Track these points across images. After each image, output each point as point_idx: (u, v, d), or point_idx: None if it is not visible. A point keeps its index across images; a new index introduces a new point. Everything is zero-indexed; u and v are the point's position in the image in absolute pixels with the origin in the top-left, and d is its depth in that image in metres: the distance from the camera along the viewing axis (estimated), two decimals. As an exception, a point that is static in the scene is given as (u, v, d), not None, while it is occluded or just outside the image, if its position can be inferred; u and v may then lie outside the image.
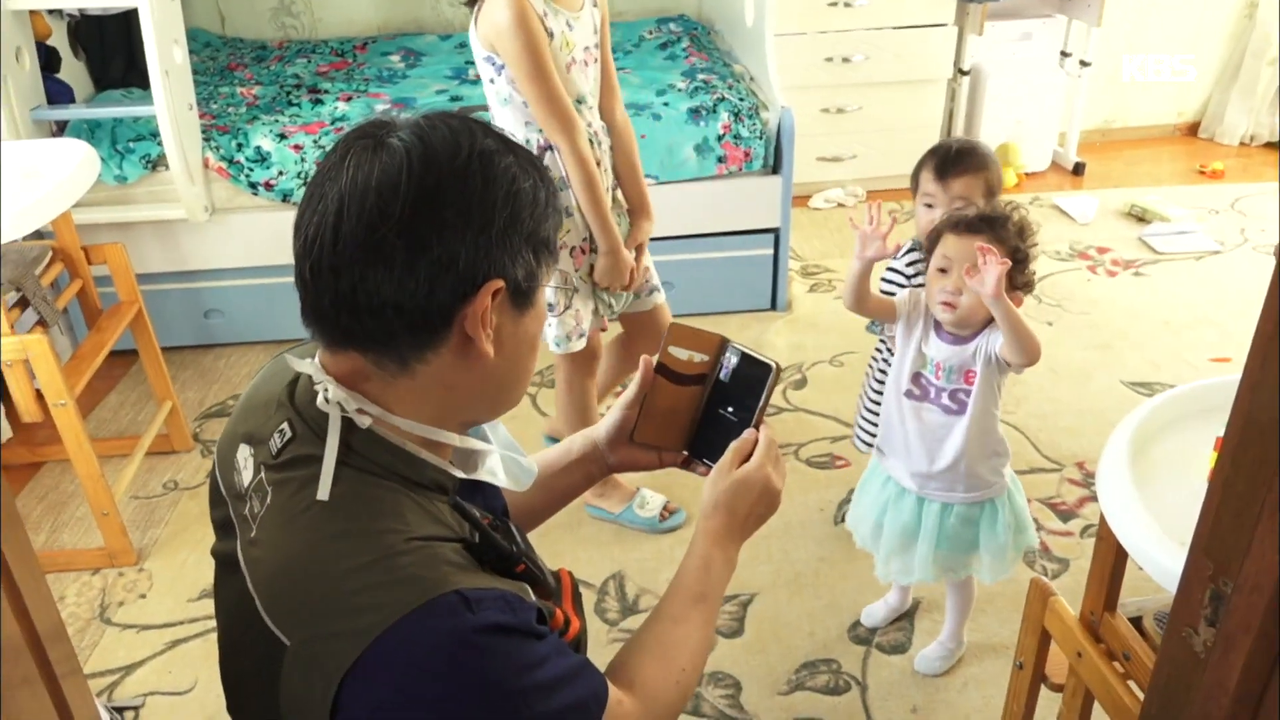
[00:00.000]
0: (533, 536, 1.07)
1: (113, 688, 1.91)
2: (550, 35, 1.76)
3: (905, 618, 2.00)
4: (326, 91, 3.22)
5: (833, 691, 1.85)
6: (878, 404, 1.91)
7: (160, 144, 2.70)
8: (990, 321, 1.55)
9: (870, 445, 1.93)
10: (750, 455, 0.99)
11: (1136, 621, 1.26)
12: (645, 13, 4.05)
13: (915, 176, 1.86)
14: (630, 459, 1.08)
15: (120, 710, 1.85)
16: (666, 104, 2.96)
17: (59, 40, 2.99)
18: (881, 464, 1.76)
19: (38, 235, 2.35)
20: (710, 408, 1.04)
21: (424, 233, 0.74)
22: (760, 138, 2.90)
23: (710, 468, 1.01)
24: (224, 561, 0.85)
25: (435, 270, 0.74)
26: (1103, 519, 1.19)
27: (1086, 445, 2.47)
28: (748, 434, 1.00)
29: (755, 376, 1.01)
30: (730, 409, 1.02)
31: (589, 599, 2.06)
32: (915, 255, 1.86)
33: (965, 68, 3.92)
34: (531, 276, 0.81)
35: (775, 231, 3.02)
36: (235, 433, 0.87)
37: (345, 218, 0.74)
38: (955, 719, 1.79)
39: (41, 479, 2.52)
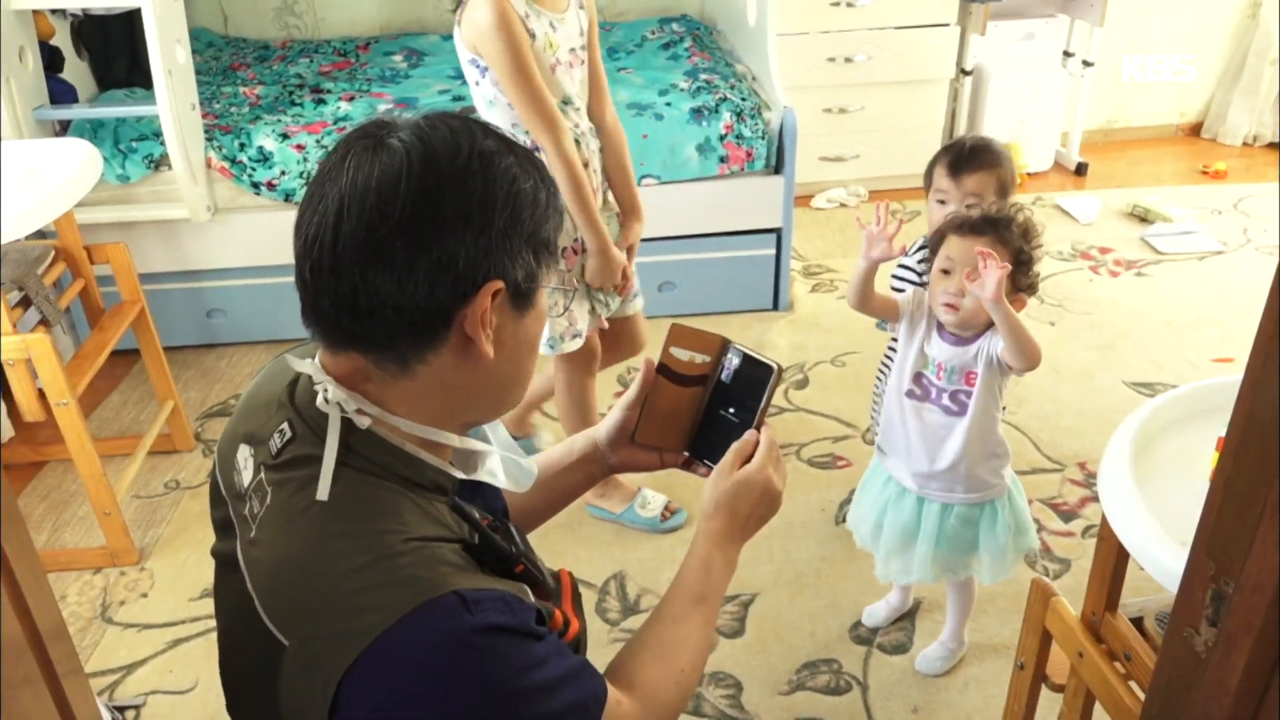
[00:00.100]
0: (534, 536, 1.07)
1: (114, 687, 1.91)
2: (532, 36, 1.77)
3: (906, 618, 2.00)
4: (329, 91, 3.22)
5: (834, 691, 1.85)
6: None
7: (163, 144, 2.71)
8: (993, 323, 1.55)
9: None
10: (751, 456, 0.99)
11: (1138, 622, 1.26)
12: (647, 12, 4.05)
13: (928, 173, 1.86)
14: (631, 460, 1.08)
15: (121, 710, 1.85)
16: (669, 104, 2.96)
17: (62, 40, 3.00)
18: (882, 463, 1.76)
19: (40, 235, 2.36)
20: (711, 409, 1.04)
21: (424, 233, 0.74)
22: (762, 137, 2.90)
23: (711, 469, 1.01)
24: (224, 561, 0.85)
25: (435, 271, 0.74)
26: (1104, 519, 1.18)
27: (1088, 445, 2.46)
28: (749, 435, 1.00)
29: (757, 377, 1.01)
30: (731, 410, 1.02)
31: (590, 599, 2.06)
32: (927, 252, 1.87)
33: (968, 68, 3.92)
34: (531, 277, 0.80)
35: (777, 231, 3.02)
36: (235, 433, 0.87)
37: (345, 218, 0.74)
38: (956, 719, 1.79)
39: (43, 478, 2.52)
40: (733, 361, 1.03)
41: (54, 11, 2.91)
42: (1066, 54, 4.07)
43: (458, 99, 3.18)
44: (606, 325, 2.08)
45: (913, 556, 1.72)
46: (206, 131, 2.82)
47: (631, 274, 2.06)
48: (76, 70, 3.05)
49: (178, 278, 2.92)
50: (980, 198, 1.77)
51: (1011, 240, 1.53)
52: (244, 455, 0.85)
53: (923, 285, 1.72)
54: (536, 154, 1.86)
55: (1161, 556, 1.04)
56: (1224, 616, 0.65)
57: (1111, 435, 1.25)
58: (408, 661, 0.70)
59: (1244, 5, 4.24)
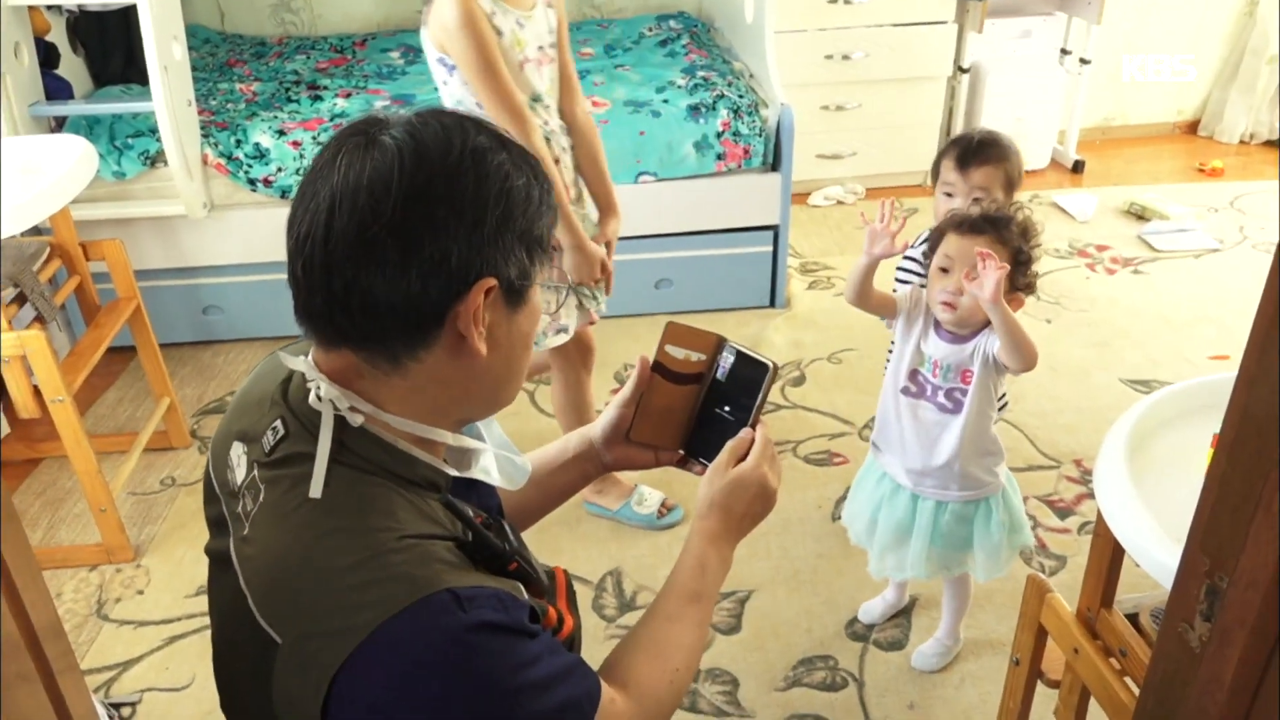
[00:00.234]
0: (530, 533, 1.07)
1: (110, 684, 1.91)
2: (499, 33, 1.77)
3: (902, 614, 2.00)
4: (326, 88, 3.21)
5: (830, 688, 1.85)
6: None
7: (159, 140, 2.70)
8: (990, 321, 1.55)
9: None
10: (746, 454, 0.98)
11: (1133, 618, 1.27)
12: (645, 9, 4.05)
13: (936, 166, 1.87)
14: (626, 458, 1.08)
15: (117, 706, 1.85)
16: (666, 101, 2.95)
17: (58, 36, 2.99)
18: (877, 460, 1.76)
19: (36, 231, 2.35)
20: (707, 407, 1.04)
21: (416, 231, 0.74)
22: (760, 135, 2.90)
23: (706, 467, 1.01)
24: (217, 559, 0.85)
25: (427, 268, 0.74)
26: (1100, 516, 1.19)
27: (1085, 442, 2.47)
28: (744, 433, 0.99)
29: (752, 376, 1.01)
30: (727, 408, 1.02)
31: (587, 595, 2.06)
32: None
33: (965, 65, 3.92)
34: (525, 274, 0.80)
35: (774, 229, 3.02)
36: (229, 430, 0.87)
37: (337, 216, 0.74)
38: (952, 715, 1.79)
39: (39, 475, 2.51)
40: (728, 359, 1.03)
41: (50, 7, 2.90)
42: (1064, 52, 4.07)
43: (454, 96, 3.18)
44: (598, 319, 2.08)
45: (907, 553, 1.72)
46: (203, 128, 2.81)
47: (612, 268, 2.06)
48: (72, 66, 3.05)
49: (174, 274, 2.91)
50: (987, 191, 1.78)
51: (1011, 239, 1.53)
52: (237, 453, 0.84)
53: (916, 285, 1.72)
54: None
55: (1157, 553, 1.04)
56: (1218, 612, 0.65)
57: (1107, 432, 1.25)
58: (401, 659, 0.70)
59: (1241, 3, 4.24)
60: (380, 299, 0.74)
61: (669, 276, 3.06)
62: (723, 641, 1.95)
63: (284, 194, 2.79)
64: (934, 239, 1.61)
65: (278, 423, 0.82)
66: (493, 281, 0.77)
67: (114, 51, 3.17)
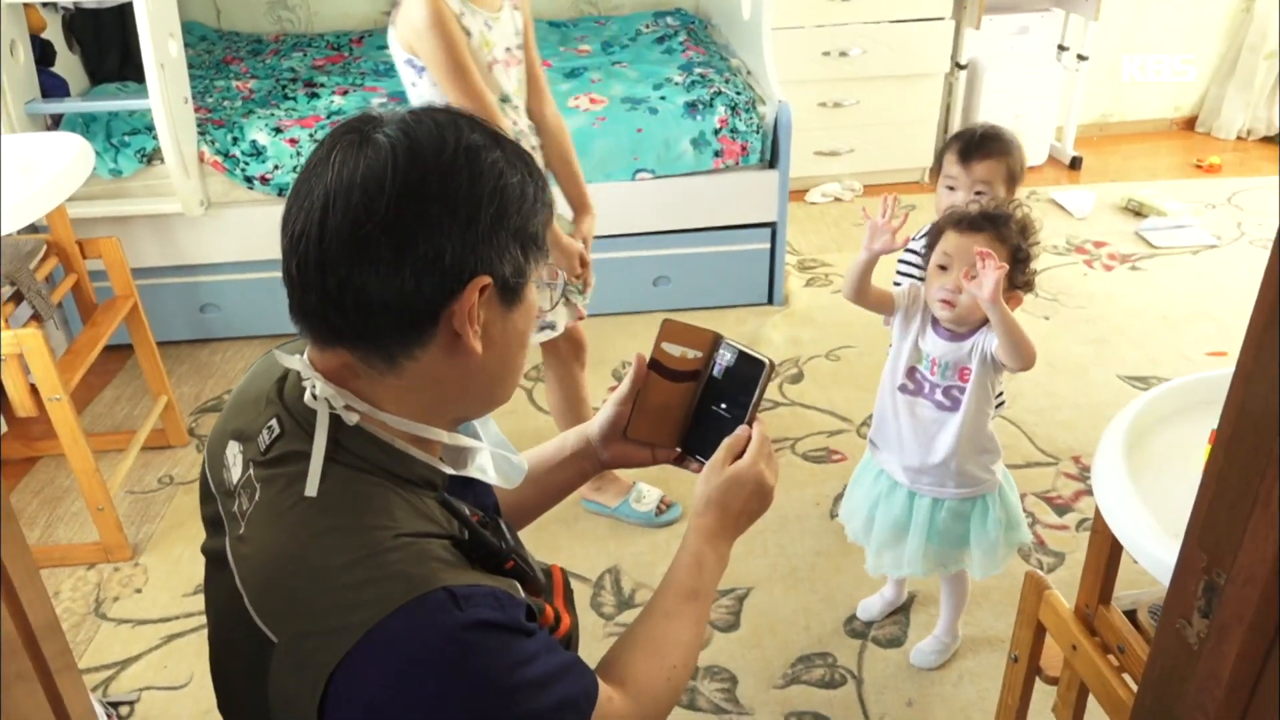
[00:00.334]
0: (528, 531, 1.07)
1: (108, 683, 1.91)
2: (468, 34, 1.77)
3: (901, 611, 2.00)
4: (322, 85, 3.21)
5: (828, 685, 1.85)
6: None
7: (155, 138, 2.70)
8: (988, 319, 1.55)
9: None
10: (743, 452, 0.98)
11: (1131, 614, 1.27)
12: (642, 6, 4.04)
13: (939, 159, 1.88)
14: (623, 455, 1.08)
15: (116, 705, 1.85)
16: (663, 98, 2.95)
17: (54, 33, 2.99)
18: (875, 457, 1.76)
19: (32, 229, 2.35)
20: (704, 404, 1.04)
21: (409, 229, 0.73)
22: (757, 132, 2.89)
23: (703, 464, 1.01)
24: (213, 559, 0.85)
25: (421, 267, 0.74)
26: (1098, 512, 1.19)
27: (1082, 439, 2.47)
28: (740, 430, 0.99)
29: (749, 373, 1.01)
30: (724, 405, 1.02)
31: (585, 593, 2.06)
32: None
33: (962, 62, 3.92)
34: (519, 272, 0.80)
35: (772, 226, 3.02)
36: (225, 429, 0.87)
37: (331, 214, 0.74)
38: (951, 712, 1.80)
39: (36, 474, 2.51)
40: (725, 357, 1.03)
41: (46, 5, 2.89)
42: (1061, 48, 4.07)
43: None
44: (585, 314, 2.08)
45: (904, 550, 1.72)
46: (199, 125, 2.81)
47: (590, 263, 2.07)
48: (68, 64, 3.04)
49: (171, 272, 2.91)
50: (989, 185, 1.78)
51: (1009, 237, 1.53)
52: (233, 452, 0.84)
53: (914, 281, 1.72)
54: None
55: (1154, 549, 1.04)
56: (1216, 608, 0.65)
57: (1105, 429, 1.25)
58: (397, 658, 0.69)
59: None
60: (374, 297, 0.74)
61: (667, 274, 3.06)
62: (721, 639, 1.95)
63: (281, 191, 2.79)
64: (932, 236, 1.61)
65: (273, 421, 0.81)
66: (487, 279, 0.77)
67: (110, 49, 3.17)
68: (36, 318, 2.17)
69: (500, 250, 0.77)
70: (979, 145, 1.81)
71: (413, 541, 0.75)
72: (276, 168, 2.79)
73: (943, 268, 1.55)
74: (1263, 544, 0.61)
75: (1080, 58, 3.97)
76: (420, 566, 0.73)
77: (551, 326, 1.99)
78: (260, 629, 0.75)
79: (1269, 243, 3.41)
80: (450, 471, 0.84)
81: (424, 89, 1.83)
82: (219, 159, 2.77)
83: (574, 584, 1.41)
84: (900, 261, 1.95)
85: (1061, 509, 2.26)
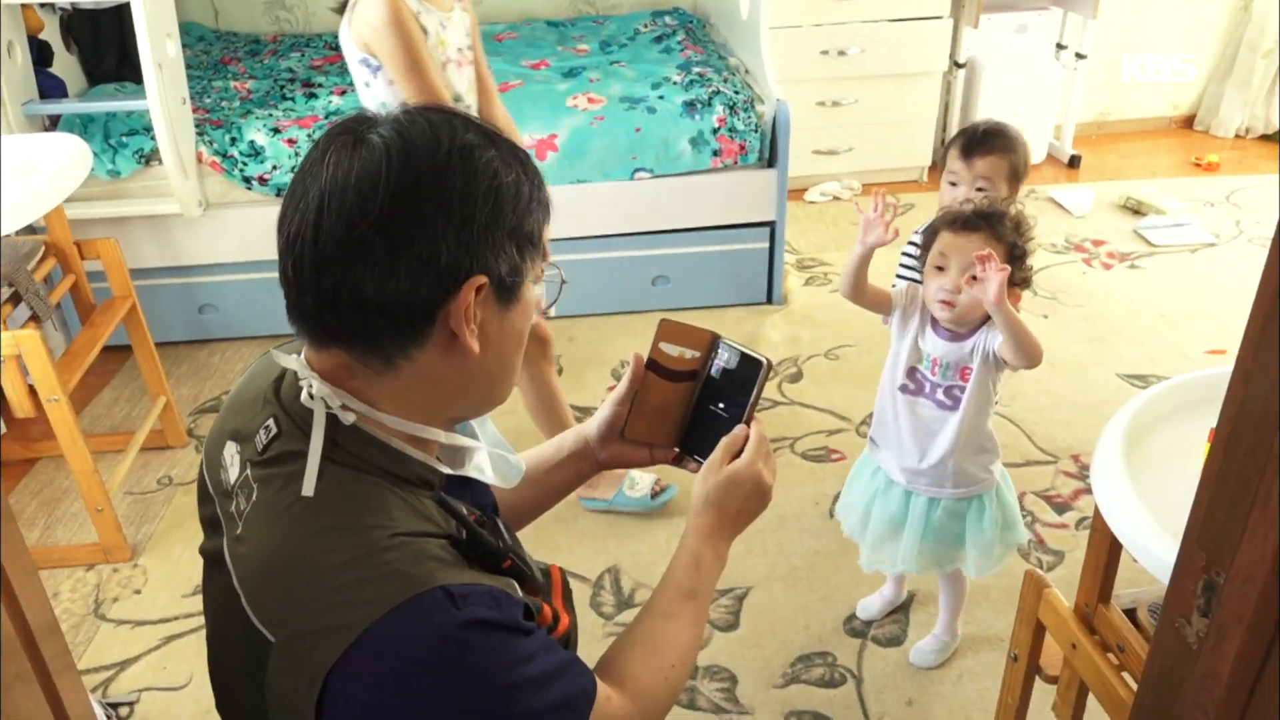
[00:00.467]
0: (527, 531, 1.07)
1: (107, 684, 1.91)
2: (425, 32, 1.78)
3: (900, 610, 2.00)
4: (320, 85, 3.21)
5: (828, 684, 1.85)
6: None
7: (153, 138, 2.69)
8: (988, 318, 1.55)
9: None
10: (741, 451, 0.98)
11: (1131, 613, 1.27)
12: (640, 5, 4.04)
13: (944, 154, 1.88)
14: (621, 456, 1.08)
15: (115, 706, 1.85)
16: (662, 97, 2.95)
17: (51, 34, 2.98)
18: (873, 455, 1.76)
19: (30, 230, 2.35)
20: (701, 404, 1.04)
21: (404, 229, 0.73)
22: (756, 131, 2.89)
23: (701, 464, 1.01)
24: (211, 559, 0.85)
25: (416, 267, 0.74)
26: (1097, 511, 1.19)
27: (1082, 438, 2.47)
28: (738, 430, 0.99)
29: (746, 372, 1.01)
30: (721, 405, 1.02)
31: (584, 593, 2.06)
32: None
33: (961, 60, 3.92)
34: (515, 271, 0.80)
35: (771, 225, 3.02)
36: (222, 429, 0.87)
37: (326, 215, 0.74)
38: (950, 711, 1.80)
39: (35, 475, 2.51)
40: (722, 356, 1.03)
41: (43, 5, 2.89)
42: (1059, 46, 4.07)
43: (450, 93, 3.17)
44: (553, 312, 2.09)
45: (899, 547, 1.72)
46: (197, 126, 2.81)
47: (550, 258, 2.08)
48: (66, 65, 3.04)
49: (169, 273, 2.91)
50: (991, 182, 1.79)
51: (1005, 235, 1.53)
52: (230, 452, 0.84)
53: (911, 281, 1.72)
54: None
55: (1154, 548, 1.04)
56: (1215, 607, 0.65)
57: (1104, 427, 1.25)
58: (394, 657, 0.69)
59: (1237, -3, 4.25)
60: (370, 298, 0.74)
61: (665, 273, 3.06)
62: (721, 638, 1.95)
63: (279, 192, 2.79)
64: (927, 237, 1.61)
65: (270, 421, 0.81)
66: (483, 279, 0.77)
67: (108, 49, 3.16)
68: (35, 319, 2.17)
69: (496, 249, 0.77)
70: (981, 141, 1.81)
71: (410, 541, 0.75)
72: (275, 168, 2.79)
73: (940, 268, 1.55)
74: (1262, 543, 0.61)
75: (1079, 56, 3.97)
76: (417, 566, 0.73)
77: None
78: (257, 629, 0.75)
79: (1268, 241, 3.41)
80: (447, 471, 0.84)
81: (379, 89, 1.82)
82: (217, 159, 2.77)
83: (573, 584, 1.41)
84: (901, 266, 1.95)
85: (1061, 507, 2.26)
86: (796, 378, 2.77)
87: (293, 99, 3.07)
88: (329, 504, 0.76)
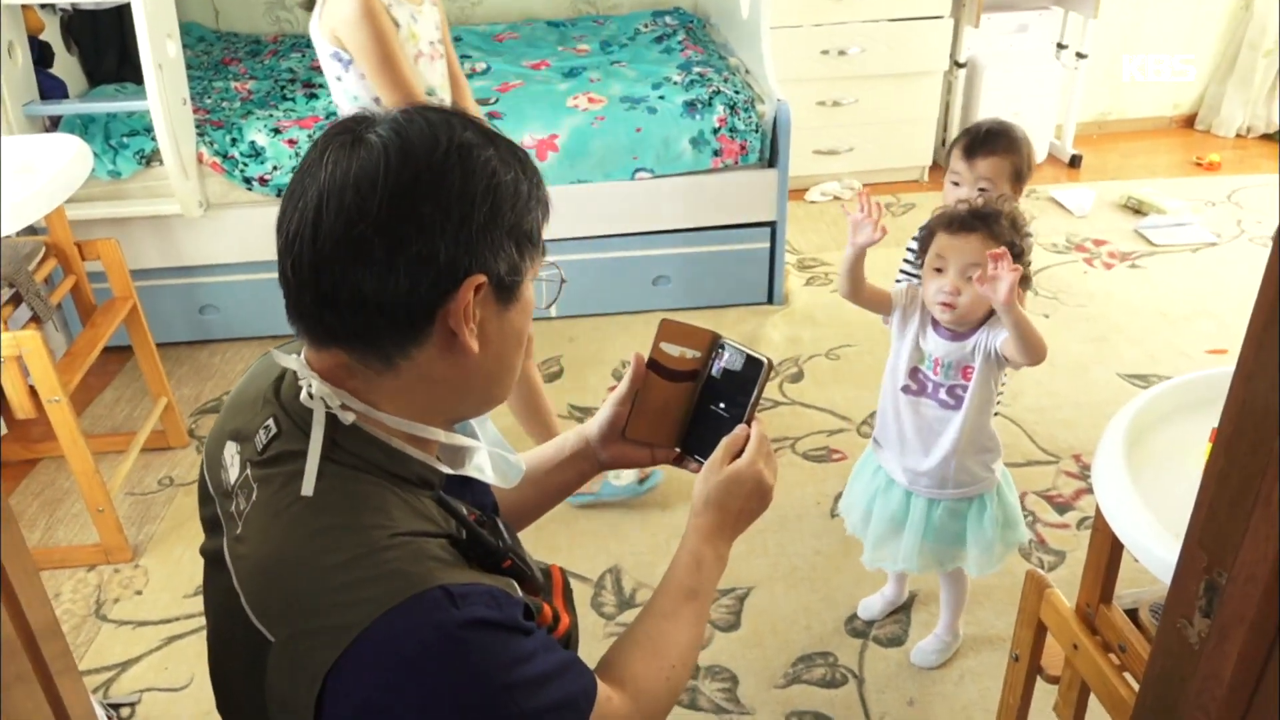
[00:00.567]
0: (527, 531, 1.07)
1: (109, 684, 1.91)
2: (397, 25, 1.78)
3: (901, 610, 2.00)
4: (321, 86, 3.20)
5: (829, 684, 1.85)
6: None
7: (154, 139, 2.69)
8: (988, 317, 1.55)
9: None
10: (742, 451, 0.98)
11: (1132, 613, 1.26)
12: (640, 5, 4.04)
13: (947, 154, 1.88)
14: (622, 456, 1.08)
15: (116, 707, 1.85)
16: (662, 97, 2.95)
17: (52, 35, 2.98)
18: (876, 455, 1.76)
19: (31, 231, 2.35)
20: (702, 404, 1.04)
21: (402, 229, 0.73)
22: (756, 131, 2.89)
23: (702, 464, 1.01)
24: (211, 559, 0.85)
25: (415, 266, 0.74)
26: (1098, 511, 1.18)
27: (1083, 437, 2.47)
28: (739, 430, 0.99)
29: (747, 372, 1.00)
30: (722, 405, 1.02)
31: (585, 593, 2.06)
32: None
33: (961, 60, 3.91)
34: (515, 270, 0.80)
35: (772, 225, 3.02)
36: (223, 430, 0.87)
37: (324, 215, 0.74)
38: (952, 711, 1.79)
39: (36, 476, 2.51)
40: (723, 356, 1.03)
41: (44, 6, 2.89)
42: (1060, 46, 4.07)
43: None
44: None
45: (900, 546, 1.72)
46: (198, 126, 2.81)
47: None
48: (66, 65, 3.04)
49: (170, 273, 2.91)
50: (993, 182, 1.78)
51: (1003, 235, 1.52)
52: (230, 452, 0.84)
53: (910, 283, 1.72)
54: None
55: (1155, 548, 1.04)
56: (1217, 607, 0.65)
57: (1106, 427, 1.25)
58: (393, 656, 0.69)
59: (1238, -4, 4.25)
60: (369, 297, 0.74)
61: (666, 273, 3.05)
62: (722, 639, 1.95)
63: (279, 192, 2.79)
64: (924, 238, 1.61)
65: (270, 421, 0.81)
66: (482, 278, 0.77)
67: (108, 50, 3.16)
68: (35, 319, 2.17)
69: (495, 248, 0.77)
70: (983, 142, 1.81)
71: (409, 540, 0.75)
72: (275, 168, 2.79)
73: (938, 270, 1.55)
74: (1264, 543, 0.60)
75: (1079, 56, 3.96)
76: (417, 565, 0.73)
77: None
78: (257, 629, 0.75)
79: (1269, 240, 3.41)
80: (447, 471, 0.84)
81: (350, 83, 1.82)
82: (218, 160, 2.77)
83: (574, 584, 1.41)
84: (904, 264, 1.95)
85: (1062, 507, 2.26)
86: (797, 378, 2.77)
87: (293, 99, 3.07)
88: (328, 503, 0.76)
